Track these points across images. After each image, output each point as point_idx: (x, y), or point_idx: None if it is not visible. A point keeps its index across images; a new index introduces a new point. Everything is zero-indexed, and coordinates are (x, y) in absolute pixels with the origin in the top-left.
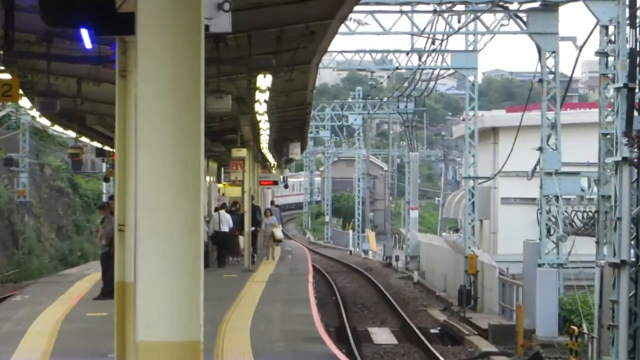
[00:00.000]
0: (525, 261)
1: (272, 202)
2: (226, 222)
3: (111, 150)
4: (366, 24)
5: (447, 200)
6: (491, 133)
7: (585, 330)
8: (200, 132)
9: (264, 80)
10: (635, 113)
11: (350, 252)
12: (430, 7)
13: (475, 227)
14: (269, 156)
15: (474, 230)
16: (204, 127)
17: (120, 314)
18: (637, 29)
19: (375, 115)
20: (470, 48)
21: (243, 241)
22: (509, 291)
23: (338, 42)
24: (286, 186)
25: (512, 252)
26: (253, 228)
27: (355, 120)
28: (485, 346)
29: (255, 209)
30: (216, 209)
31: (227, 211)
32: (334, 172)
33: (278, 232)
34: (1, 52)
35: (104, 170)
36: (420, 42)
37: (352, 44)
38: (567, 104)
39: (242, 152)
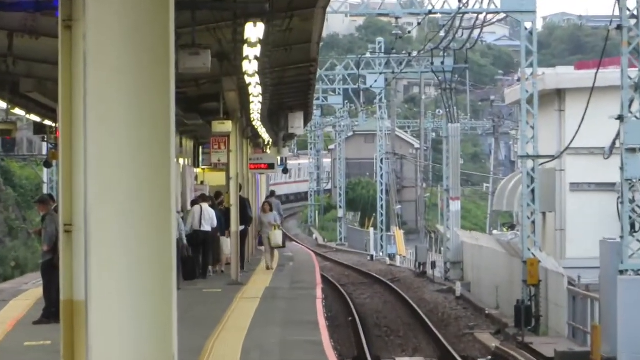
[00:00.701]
0: (603, 267)
1: (273, 193)
2: (210, 219)
3: (54, 125)
4: None
5: (499, 188)
6: (556, 97)
7: None
8: (169, 100)
9: (255, 31)
10: None
11: (372, 257)
12: None
13: (537, 222)
14: (262, 131)
15: (535, 226)
16: (174, 93)
17: (68, 343)
18: None
19: (402, 75)
20: None
21: (225, 244)
22: (582, 307)
23: None
24: (285, 171)
25: (586, 255)
26: (242, 227)
27: (376, 81)
28: None
29: (243, 202)
30: (195, 202)
31: (211, 205)
32: (349, 151)
33: (276, 236)
34: None
35: (45, 152)
36: None
37: None
38: None
39: (227, 126)
